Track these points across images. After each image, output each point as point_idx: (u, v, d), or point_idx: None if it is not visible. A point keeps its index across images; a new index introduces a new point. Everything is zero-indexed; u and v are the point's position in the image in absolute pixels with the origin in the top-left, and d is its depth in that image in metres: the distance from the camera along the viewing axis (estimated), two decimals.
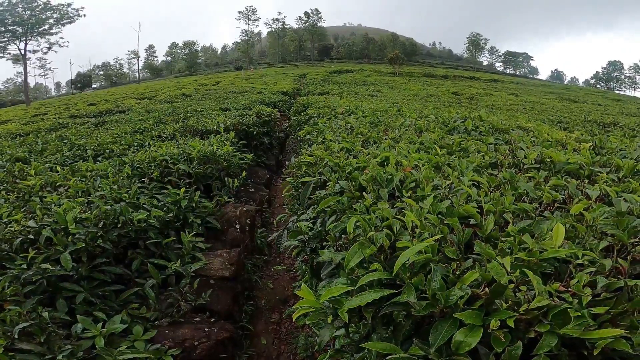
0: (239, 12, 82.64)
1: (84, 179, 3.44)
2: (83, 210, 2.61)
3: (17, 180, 3.57)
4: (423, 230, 1.66)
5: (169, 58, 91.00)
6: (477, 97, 12.23)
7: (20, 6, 28.27)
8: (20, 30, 28.31)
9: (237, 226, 3.55)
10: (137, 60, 70.97)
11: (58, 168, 3.86)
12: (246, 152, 5.25)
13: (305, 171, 2.91)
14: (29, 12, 28.44)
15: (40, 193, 3.17)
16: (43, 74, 79.55)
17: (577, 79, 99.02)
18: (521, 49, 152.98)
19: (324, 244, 2.01)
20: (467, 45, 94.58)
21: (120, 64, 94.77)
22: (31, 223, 2.43)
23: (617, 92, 75.25)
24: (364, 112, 4.65)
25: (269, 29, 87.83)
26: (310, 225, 2.33)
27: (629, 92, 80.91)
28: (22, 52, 29.20)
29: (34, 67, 70.59)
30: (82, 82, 70.89)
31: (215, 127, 5.45)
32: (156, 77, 79.69)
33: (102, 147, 4.97)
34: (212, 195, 3.88)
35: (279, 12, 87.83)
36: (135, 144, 5.18)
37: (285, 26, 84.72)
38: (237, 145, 5.11)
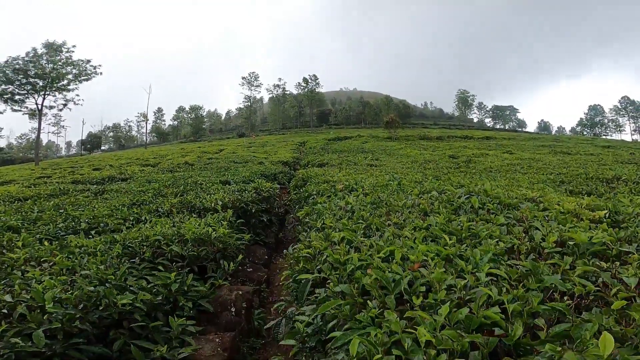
0: (243, 78, 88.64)
1: (71, 256, 3.29)
2: (64, 289, 2.50)
3: (4, 252, 3.45)
4: (440, 346, 1.43)
5: (176, 122, 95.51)
6: (474, 158, 12.39)
7: (45, 58, 29.19)
8: (41, 84, 28.72)
9: (233, 309, 3.34)
10: (146, 123, 74.11)
11: (45, 243, 3.71)
12: (244, 230, 5.09)
13: (304, 266, 2.71)
14: (51, 64, 29.26)
15: (23, 267, 3.06)
16: (56, 131, 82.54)
17: (564, 128, 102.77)
18: (507, 102, 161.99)
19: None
20: (456, 103, 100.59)
21: (129, 126, 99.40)
22: (7, 297, 2.36)
23: (603, 137, 77.34)
24: (364, 189, 4.57)
25: (270, 95, 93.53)
26: (310, 320, 2.11)
27: (616, 136, 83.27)
28: (40, 106, 29.38)
29: (49, 124, 73.24)
30: (92, 142, 73.46)
31: (212, 204, 5.35)
32: (163, 142, 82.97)
33: (97, 219, 4.81)
34: (207, 277, 3.67)
35: (280, 78, 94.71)
36: (131, 218, 5.03)
37: (286, 92, 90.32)
38: (235, 225, 4.96)
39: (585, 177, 6.95)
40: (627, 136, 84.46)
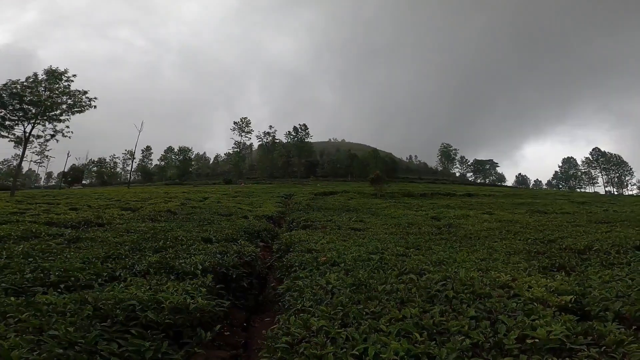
0: (234, 123, 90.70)
1: (38, 313, 3.13)
2: (31, 349, 2.41)
3: None
4: None
5: (163, 163, 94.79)
6: (455, 221, 12.72)
7: (43, 85, 28.32)
8: (33, 111, 27.57)
9: None
10: (132, 161, 73.10)
11: (12, 298, 3.50)
12: (223, 295, 4.98)
13: (282, 356, 2.71)
14: (48, 92, 28.30)
15: None
16: (39, 160, 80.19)
17: (541, 181, 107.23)
18: (487, 156, 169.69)
19: None
20: (439, 157, 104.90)
21: (115, 162, 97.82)
22: None
23: (578, 190, 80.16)
24: (346, 263, 4.66)
25: (260, 142, 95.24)
26: None
27: (590, 189, 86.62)
28: (27, 134, 28.03)
29: (32, 152, 70.71)
30: (73, 176, 70.91)
31: (192, 268, 5.27)
32: (147, 182, 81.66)
33: (68, 273, 4.56)
34: (182, 343, 3.48)
35: (270, 126, 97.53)
36: (105, 273, 4.84)
37: (276, 140, 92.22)
38: (215, 290, 4.87)
39: (558, 248, 7.23)
40: (600, 188, 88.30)
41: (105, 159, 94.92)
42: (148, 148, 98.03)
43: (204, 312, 3.96)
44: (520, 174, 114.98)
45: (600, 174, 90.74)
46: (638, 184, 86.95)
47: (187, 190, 32.33)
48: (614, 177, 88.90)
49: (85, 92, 30.46)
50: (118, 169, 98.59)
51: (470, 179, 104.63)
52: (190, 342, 3.52)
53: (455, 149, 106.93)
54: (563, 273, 4.76)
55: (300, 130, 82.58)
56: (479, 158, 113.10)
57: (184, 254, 6.05)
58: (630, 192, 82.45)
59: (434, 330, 2.60)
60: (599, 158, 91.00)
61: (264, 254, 8.37)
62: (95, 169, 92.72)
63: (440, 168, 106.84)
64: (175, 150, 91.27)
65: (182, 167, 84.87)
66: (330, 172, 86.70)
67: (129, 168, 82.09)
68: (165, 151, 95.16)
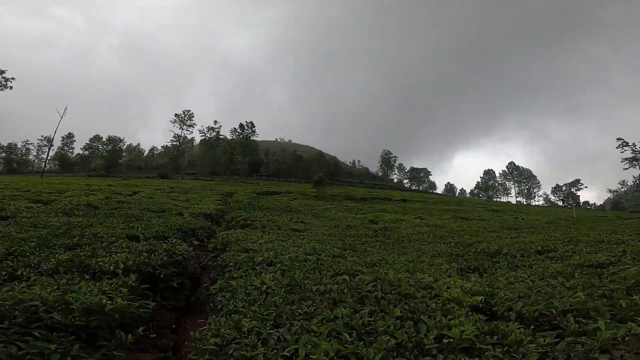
0: (176, 115, 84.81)
1: None
2: None
3: None
4: None
5: (87, 152, 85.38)
6: (390, 225, 13.42)
7: None
8: None
9: None
10: (49, 149, 64.33)
11: None
12: (149, 295, 4.61)
13: (209, 358, 2.59)
14: None
15: None
16: None
17: (465, 190, 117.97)
18: (423, 165, 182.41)
19: None
20: (380, 163, 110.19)
21: (27, 148, 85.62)
22: None
23: (494, 199, 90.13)
24: (282, 263, 4.63)
25: (203, 137, 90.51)
26: None
27: (504, 198, 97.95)
28: None
29: None
30: None
31: (112, 267, 4.77)
32: (66, 173, 72.58)
33: None
34: (98, 346, 3.13)
35: (215, 121, 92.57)
36: (4, 272, 4.20)
37: (220, 136, 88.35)
38: (139, 290, 4.48)
39: (475, 251, 8.03)
40: (512, 198, 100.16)
41: (16, 145, 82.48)
42: (70, 135, 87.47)
43: (124, 313, 3.63)
44: (449, 182, 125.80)
45: (513, 186, 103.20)
46: (543, 196, 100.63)
47: (114, 184, 29.41)
48: (524, 188, 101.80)
49: (2, 72, 28.09)
50: (31, 157, 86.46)
51: (406, 185, 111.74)
52: (107, 345, 3.24)
53: (395, 156, 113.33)
54: (477, 274, 5.29)
55: (246, 128, 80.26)
56: (415, 166, 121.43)
57: (103, 252, 5.48)
58: (536, 203, 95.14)
59: (363, 331, 2.69)
60: (514, 171, 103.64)
61: (199, 253, 7.97)
62: (3, 154, 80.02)
63: (380, 174, 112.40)
64: (104, 139, 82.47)
65: (109, 158, 76.79)
66: (274, 172, 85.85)
67: (44, 156, 72.14)
68: (91, 140, 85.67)
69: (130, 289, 4.19)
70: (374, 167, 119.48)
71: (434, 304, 3.23)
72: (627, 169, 60.24)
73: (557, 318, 2.89)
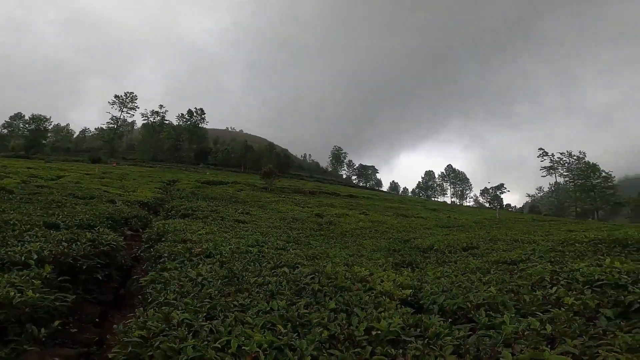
0: (116, 97, 77.68)
1: None
2: None
3: None
4: None
5: (6, 131, 74.80)
6: (335, 219, 13.76)
7: None
8: None
9: None
10: None
11: None
12: (69, 288, 4.21)
13: (133, 351, 2.43)
14: None
15: None
16: None
17: (408, 189, 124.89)
18: (371, 162, 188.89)
19: None
20: (330, 158, 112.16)
21: None
22: None
23: (433, 199, 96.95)
24: (222, 255, 4.50)
25: (145, 121, 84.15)
26: None
27: (441, 199, 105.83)
28: None
29: None
30: None
31: (24, 257, 4.25)
32: None
33: None
34: (8, 340, 2.89)
35: (161, 105, 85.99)
36: None
37: (165, 121, 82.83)
38: (56, 283, 4.06)
39: (410, 247, 8.57)
40: (448, 199, 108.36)
41: None
42: None
43: (36, 306, 3.30)
44: (394, 181, 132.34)
45: (449, 187, 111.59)
46: (474, 197, 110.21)
47: (34, 166, 26.10)
48: (458, 190, 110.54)
49: None
50: None
51: (354, 181, 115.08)
52: (18, 339, 2.94)
53: (345, 153, 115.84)
54: (410, 269, 5.63)
55: (195, 114, 76.05)
56: (364, 163, 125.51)
57: (14, 241, 4.87)
58: (467, 203, 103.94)
59: (298, 322, 2.72)
60: (450, 173, 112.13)
61: (132, 244, 7.47)
62: None
63: (330, 169, 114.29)
64: (26, 117, 72.59)
65: (31, 137, 67.90)
66: (222, 162, 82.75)
67: None
68: (11, 118, 75.03)
69: (45, 281, 3.81)
70: (324, 162, 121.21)
71: (367, 297, 3.35)
72: (545, 176, 68.30)
73: (472, 311, 3.11)
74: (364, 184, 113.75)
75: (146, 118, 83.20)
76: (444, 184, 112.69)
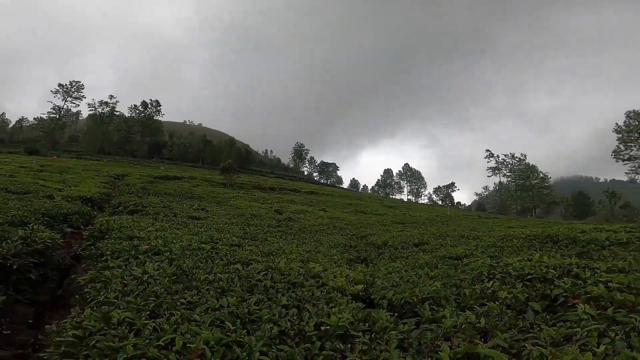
0: (60, 85, 71.01)
1: None
2: None
3: None
4: None
5: None
6: (295, 216, 13.76)
7: None
8: None
9: None
10: None
11: None
12: None
13: (67, 350, 2.27)
14: None
15: None
16: None
17: (367, 186, 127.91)
18: (333, 159, 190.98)
19: None
20: (292, 155, 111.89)
21: None
22: None
23: (390, 196, 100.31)
24: (172, 252, 4.33)
25: (92, 111, 77.96)
26: None
27: (398, 196, 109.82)
28: None
29: None
30: None
31: None
32: None
33: None
34: None
35: (111, 96, 79.59)
36: None
37: (115, 112, 77.23)
38: None
39: (365, 243, 8.81)
40: (404, 196, 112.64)
41: None
42: None
43: None
44: (354, 178, 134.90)
45: (406, 185, 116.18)
46: (428, 195, 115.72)
47: None
48: (414, 188, 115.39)
49: None
50: None
51: (315, 178, 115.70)
52: None
53: (307, 149, 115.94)
54: (364, 265, 5.78)
55: (150, 106, 71.43)
56: (325, 160, 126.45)
57: None
58: (422, 201, 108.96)
59: (248, 319, 2.69)
60: (407, 172, 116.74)
61: (72, 242, 6.94)
62: None
63: (292, 165, 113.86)
64: None
65: None
66: (179, 156, 79.09)
67: None
68: None
69: None
70: (286, 158, 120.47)
71: (320, 293, 3.37)
72: (490, 176, 73.41)
73: (418, 306, 3.21)
74: (325, 181, 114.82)
75: (93, 108, 77.10)
76: (402, 182, 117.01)
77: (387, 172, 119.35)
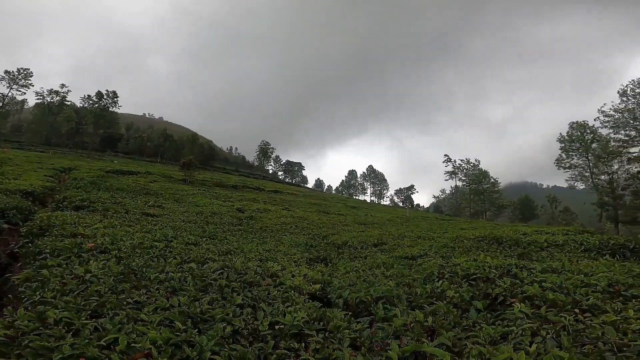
0: (6, 72, 64.48)
1: None
2: None
3: None
4: None
5: None
6: (257, 214, 13.55)
7: None
8: None
9: None
10: None
11: None
12: None
13: None
14: None
15: None
16: None
17: (332, 187, 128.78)
18: (298, 158, 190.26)
19: None
20: (257, 153, 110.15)
21: None
22: None
23: (354, 197, 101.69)
24: (120, 250, 4.10)
25: (40, 100, 71.65)
26: None
27: (361, 197, 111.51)
28: None
29: None
30: None
31: None
32: None
33: None
34: None
35: (63, 85, 73.27)
36: None
37: (66, 102, 71.46)
38: None
39: (326, 243, 8.89)
40: (367, 197, 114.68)
41: None
42: None
43: None
44: (319, 178, 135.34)
45: (369, 186, 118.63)
46: (390, 197, 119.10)
47: None
48: (377, 189, 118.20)
49: None
50: None
51: (280, 177, 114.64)
52: None
53: (272, 148, 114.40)
54: (323, 264, 5.84)
55: (106, 97, 66.35)
56: (291, 159, 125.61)
57: None
58: (384, 202, 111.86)
59: (200, 319, 2.62)
60: (371, 173, 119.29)
61: (9, 239, 6.35)
62: None
63: (257, 163, 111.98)
64: None
65: None
66: (136, 150, 74.81)
67: None
68: None
69: None
70: (251, 156, 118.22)
71: (277, 292, 3.36)
72: (447, 180, 76.93)
73: (372, 305, 3.28)
74: (290, 180, 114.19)
75: (41, 97, 70.84)
76: (365, 183, 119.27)
77: (352, 174, 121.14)
